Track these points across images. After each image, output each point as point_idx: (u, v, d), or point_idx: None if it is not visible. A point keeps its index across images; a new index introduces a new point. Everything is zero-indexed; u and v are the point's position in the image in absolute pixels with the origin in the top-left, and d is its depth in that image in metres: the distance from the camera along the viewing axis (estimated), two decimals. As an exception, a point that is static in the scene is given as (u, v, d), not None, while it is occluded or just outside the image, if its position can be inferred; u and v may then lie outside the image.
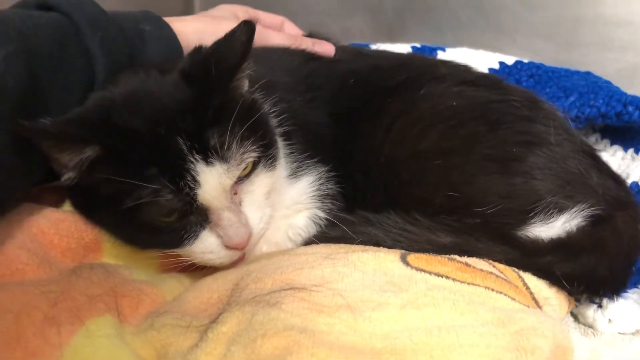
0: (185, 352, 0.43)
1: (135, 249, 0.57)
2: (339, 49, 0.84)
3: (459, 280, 0.51)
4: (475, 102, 0.72)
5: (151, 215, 0.52)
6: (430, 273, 0.52)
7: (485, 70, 1.01)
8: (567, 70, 0.98)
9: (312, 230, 0.69)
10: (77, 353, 0.42)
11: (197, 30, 0.71)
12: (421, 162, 0.68)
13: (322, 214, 0.69)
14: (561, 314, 0.61)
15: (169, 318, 0.47)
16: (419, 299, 0.47)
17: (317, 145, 0.70)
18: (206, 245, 0.55)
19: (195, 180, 0.51)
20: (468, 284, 0.51)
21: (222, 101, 0.53)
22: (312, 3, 1.25)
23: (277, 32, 0.82)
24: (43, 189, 0.58)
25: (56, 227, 0.54)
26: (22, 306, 0.43)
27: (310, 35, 0.87)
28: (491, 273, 0.54)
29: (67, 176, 0.54)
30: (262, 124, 0.58)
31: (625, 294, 0.72)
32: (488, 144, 0.68)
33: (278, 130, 0.66)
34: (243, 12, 0.84)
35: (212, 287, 0.52)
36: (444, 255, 0.56)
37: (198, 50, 0.57)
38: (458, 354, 0.41)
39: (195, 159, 0.51)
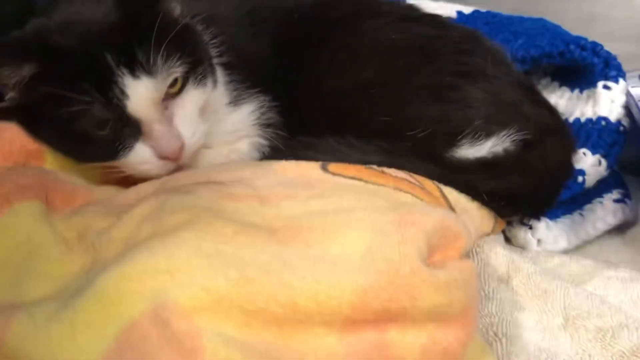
0: (102, 231, 0.47)
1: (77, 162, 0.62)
2: None
3: (370, 182, 0.55)
4: (414, 36, 0.75)
5: (85, 126, 0.57)
6: (344, 176, 0.56)
7: (443, 20, 1.04)
8: (521, 18, 1.01)
9: (255, 156, 0.73)
10: (3, 229, 0.46)
11: None
12: (359, 91, 0.72)
13: (264, 142, 0.73)
14: (482, 227, 0.65)
15: (94, 207, 0.51)
16: (325, 192, 0.51)
17: (259, 76, 0.73)
18: (140, 156, 0.59)
19: (123, 93, 0.55)
20: (378, 185, 0.55)
21: (150, 21, 0.57)
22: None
23: None
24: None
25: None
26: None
27: None
28: (405, 179, 0.58)
29: (10, 96, 0.58)
30: (190, 42, 0.62)
31: (556, 219, 0.76)
32: (424, 73, 0.72)
33: (218, 60, 0.70)
34: None
35: (139, 188, 0.56)
36: (364, 165, 0.60)
37: None
38: (346, 227, 0.44)
39: (123, 73, 0.55)
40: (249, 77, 0.73)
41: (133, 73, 0.55)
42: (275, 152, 0.71)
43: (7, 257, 0.44)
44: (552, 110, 0.75)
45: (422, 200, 0.55)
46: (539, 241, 0.73)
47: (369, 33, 0.75)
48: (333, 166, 0.59)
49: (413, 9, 0.84)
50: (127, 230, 0.46)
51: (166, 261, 0.39)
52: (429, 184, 0.61)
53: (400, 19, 0.78)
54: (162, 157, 0.59)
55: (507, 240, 0.76)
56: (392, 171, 0.60)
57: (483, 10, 1.05)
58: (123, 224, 0.47)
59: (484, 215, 0.65)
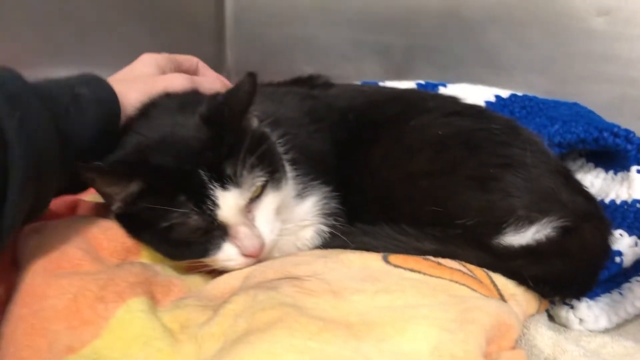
0: (201, 323, 0.55)
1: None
2: (341, 86, 0.98)
3: (428, 274, 0.62)
4: (459, 130, 0.83)
5: (182, 233, 0.65)
6: (405, 269, 0.63)
7: (482, 103, 1.12)
8: (556, 102, 1.08)
9: (317, 242, 0.80)
10: (119, 323, 0.55)
11: (136, 97, 0.73)
12: (410, 182, 0.80)
13: (325, 228, 0.81)
14: (528, 309, 0.70)
15: (191, 301, 0.60)
16: (391, 287, 0.58)
17: (320, 170, 0.82)
18: (227, 255, 0.67)
19: (215, 204, 0.63)
20: (436, 277, 0.62)
21: (235, 138, 0.66)
22: (328, 46, 1.40)
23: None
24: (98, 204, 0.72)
25: (105, 234, 0.67)
26: (78, 288, 0.57)
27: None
28: (459, 270, 0.65)
29: (116, 206, 0.67)
30: (269, 153, 0.70)
31: (597, 298, 0.82)
32: (469, 166, 0.79)
33: (285, 157, 0.78)
34: (164, 60, 0.82)
35: (227, 281, 0.64)
36: (420, 256, 0.67)
37: (214, 98, 0.70)
38: (414, 323, 0.51)
39: (214, 186, 0.63)
40: (312, 170, 0.81)
41: (223, 186, 0.63)
42: (336, 238, 0.79)
43: (125, 348, 0.52)
44: (587, 197, 0.82)
45: (475, 291, 0.61)
46: (580, 320, 0.79)
47: (417, 129, 0.83)
48: (393, 257, 0.66)
49: (455, 102, 0.93)
50: (225, 325, 0.54)
51: (265, 356, 0.47)
52: (479, 272, 0.68)
53: (445, 114, 0.86)
54: (246, 254, 0.67)
55: (550, 317, 0.81)
56: (447, 262, 0.67)
57: (520, 94, 1.12)
58: (221, 318, 0.55)
59: (530, 299, 0.71)
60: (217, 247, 0.66)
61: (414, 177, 0.80)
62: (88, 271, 0.61)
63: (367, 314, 0.54)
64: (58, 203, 0.78)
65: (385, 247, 0.72)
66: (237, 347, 0.48)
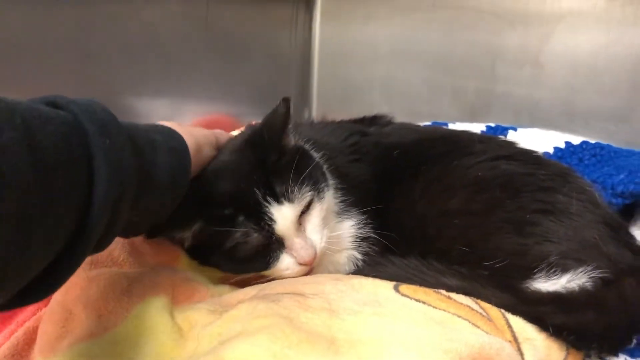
0: (205, 325, 0.60)
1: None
2: (397, 125, 1.02)
3: (432, 306, 0.63)
4: (501, 173, 0.83)
5: (245, 250, 0.72)
6: (411, 298, 0.65)
7: (550, 149, 1.10)
8: (628, 151, 1.04)
9: (350, 268, 0.84)
10: (137, 315, 0.62)
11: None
12: (445, 220, 0.81)
13: (358, 256, 0.84)
14: (550, 357, 0.68)
15: (205, 305, 0.66)
16: (387, 312, 0.60)
17: (357, 196, 0.86)
18: (285, 264, 0.73)
19: (271, 219, 0.70)
20: (439, 309, 0.63)
21: (278, 156, 0.73)
22: (404, 87, 1.44)
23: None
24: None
25: (149, 241, 0.76)
26: (109, 282, 0.65)
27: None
28: (468, 306, 0.65)
29: (187, 243, 0.76)
30: (314, 169, 0.77)
31: (638, 358, 0.76)
32: (506, 209, 0.79)
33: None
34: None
35: (245, 291, 0.70)
36: (432, 289, 0.68)
37: (253, 124, 0.76)
38: (393, 346, 0.53)
39: (270, 203, 0.69)
40: (349, 194, 0.85)
41: (277, 201, 0.70)
42: (366, 264, 0.82)
43: (136, 338, 0.59)
44: (636, 252, 0.77)
45: (477, 327, 0.61)
46: (618, 379, 0.74)
47: (459, 169, 0.85)
48: (404, 287, 0.68)
49: (507, 146, 0.92)
50: (223, 328, 0.59)
51: (243, 356, 0.51)
52: (495, 312, 0.67)
53: (491, 157, 0.86)
54: (301, 263, 0.73)
55: (587, 373, 0.77)
56: (459, 297, 0.67)
57: (592, 141, 1.09)
58: (221, 322, 0.60)
59: (552, 346, 0.68)
60: (276, 258, 0.73)
61: (448, 215, 0.81)
62: (125, 270, 0.69)
63: (355, 333, 0.56)
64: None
65: (409, 278, 0.74)
66: (223, 346, 0.53)
